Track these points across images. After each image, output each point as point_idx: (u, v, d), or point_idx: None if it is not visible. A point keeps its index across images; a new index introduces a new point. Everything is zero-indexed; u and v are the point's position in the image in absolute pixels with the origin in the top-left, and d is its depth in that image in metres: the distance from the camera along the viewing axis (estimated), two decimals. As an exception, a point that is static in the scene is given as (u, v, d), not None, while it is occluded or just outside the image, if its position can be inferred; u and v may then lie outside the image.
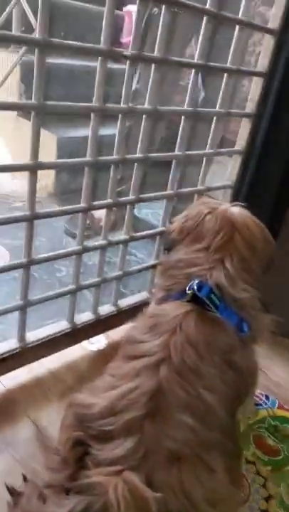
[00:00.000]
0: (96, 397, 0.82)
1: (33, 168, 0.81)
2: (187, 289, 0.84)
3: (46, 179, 2.30)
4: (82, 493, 0.68)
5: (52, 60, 2.46)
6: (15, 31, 2.24)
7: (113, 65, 0.96)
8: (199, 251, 0.89)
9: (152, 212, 2.30)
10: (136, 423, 0.74)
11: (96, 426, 0.77)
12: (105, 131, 0.97)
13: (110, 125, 0.97)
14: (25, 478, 0.80)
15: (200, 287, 0.83)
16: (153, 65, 0.92)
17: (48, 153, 2.24)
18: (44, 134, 2.40)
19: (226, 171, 1.36)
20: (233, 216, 0.90)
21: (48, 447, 0.91)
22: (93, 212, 1.97)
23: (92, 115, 0.87)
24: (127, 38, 2.58)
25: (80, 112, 0.85)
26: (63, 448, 0.81)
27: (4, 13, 2.23)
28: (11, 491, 0.78)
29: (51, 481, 0.83)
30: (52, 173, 2.29)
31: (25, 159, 0.80)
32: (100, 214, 1.86)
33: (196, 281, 0.83)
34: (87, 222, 2.03)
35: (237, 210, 0.91)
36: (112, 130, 0.94)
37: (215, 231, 0.89)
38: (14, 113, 2.44)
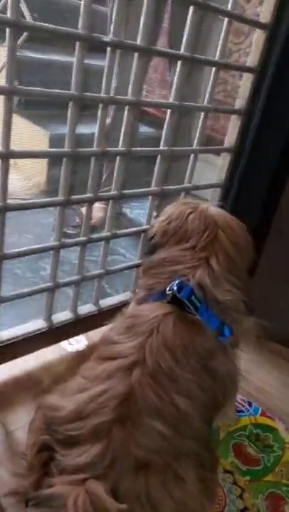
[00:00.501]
0: (65, 400, 0.78)
1: (5, 156, 0.77)
2: (167, 289, 0.80)
3: (38, 177, 2.27)
4: (41, 505, 0.64)
5: (47, 56, 2.44)
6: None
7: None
8: (185, 250, 0.86)
9: (144, 213, 2.26)
10: (104, 428, 0.70)
11: (63, 430, 0.73)
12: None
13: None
14: None
15: (180, 288, 0.79)
16: (136, 54, 0.89)
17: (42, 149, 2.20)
18: (36, 130, 2.38)
19: (214, 170, 1.33)
20: (215, 215, 0.88)
21: (15, 452, 0.86)
22: (82, 209, 1.94)
23: (70, 104, 0.83)
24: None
25: (56, 99, 0.81)
26: (29, 452, 0.78)
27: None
28: None
29: (16, 488, 0.79)
30: (44, 170, 2.25)
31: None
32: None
33: (177, 282, 0.80)
34: (77, 220, 2.01)
35: (216, 210, 0.90)
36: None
37: (201, 230, 0.86)
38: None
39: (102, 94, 0.87)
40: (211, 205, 0.90)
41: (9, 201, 0.82)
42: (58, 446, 0.73)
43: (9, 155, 0.77)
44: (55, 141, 2.18)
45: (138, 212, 2.29)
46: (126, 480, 0.68)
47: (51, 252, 1.03)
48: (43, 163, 2.25)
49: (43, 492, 0.66)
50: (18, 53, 2.10)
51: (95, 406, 0.73)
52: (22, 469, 0.79)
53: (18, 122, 2.28)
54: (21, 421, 0.94)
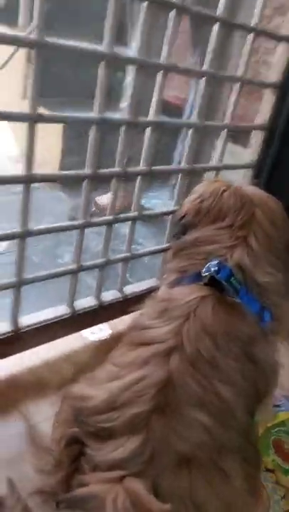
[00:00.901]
0: (95, 389, 0.71)
1: (34, 119, 0.70)
2: (204, 270, 0.73)
3: (51, 166, 2.20)
4: (75, 507, 0.57)
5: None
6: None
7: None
8: (220, 229, 0.79)
9: (162, 203, 2.19)
10: (141, 419, 0.63)
11: (94, 422, 0.66)
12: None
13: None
14: (10, 483, 0.68)
15: (219, 269, 0.72)
16: (173, 12, 0.81)
17: (55, 136, 2.14)
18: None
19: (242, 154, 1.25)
20: (250, 193, 0.82)
21: (40, 446, 0.79)
22: (97, 199, 1.87)
23: (101, 65, 0.76)
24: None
25: (86, 54, 0.74)
26: (56, 447, 0.70)
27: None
28: None
29: (43, 486, 0.72)
30: (57, 160, 2.19)
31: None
32: (105, 200, 1.78)
33: (215, 262, 0.72)
34: (93, 209, 1.94)
35: (251, 188, 0.84)
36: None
37: (237, 208, 0.80)
38: (20, 96, 2.35)
39: (136, 56, 0.80)
40: (246, 184, 0.84)
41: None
42: (88, 440, 0.66)
43: (37, 118, 0.70)
44: (70, 127, 2.12)
45: (155, 202, 2.22)
46: (167, 477, 0.61)
47: (72, 234, 0.96)
48: (56, 152, 2.18)
49: (76, 493, 0.59)
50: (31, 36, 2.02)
51: (131, 395, 0.66)
52: (48, 466, 0.72)
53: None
54: (45, 413, 0.87)
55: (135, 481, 0.59)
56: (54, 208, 1.94)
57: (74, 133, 2.04)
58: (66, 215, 1.88)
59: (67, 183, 2.03)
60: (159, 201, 2.20)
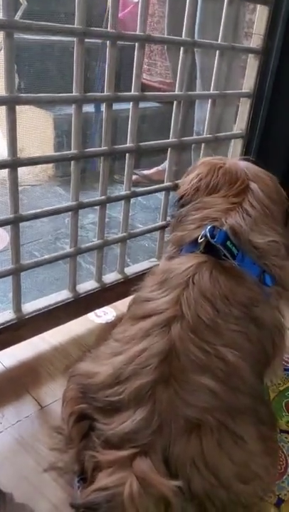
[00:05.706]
0: (100, 365, 0.71)
1: (10, 103, 0.69)
2: (199, 237, 0.73)
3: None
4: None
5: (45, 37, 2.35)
6: None
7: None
8: (215, 198, 0.79)
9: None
10: (146, 390, 0.63)
11: (101, 396, 0.67)
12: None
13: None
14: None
15: (213, 233, 0.71)
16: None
17: (46, 132, 2.14)
18: (40, 113, 2.31)
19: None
20: (245, 168, 0.82)
21: (51, 426, 0.80)
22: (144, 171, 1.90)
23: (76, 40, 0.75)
24: (124, 11, 2.42)
25: (60, 31, 0.73)
26: (66, 424, 0.71)
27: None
28: None
29: (56, 462, 0.73)
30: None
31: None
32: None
33: (209, 227, 0.72)
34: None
35: (246, 163, 0.83)
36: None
37: (232, 181, 0.80)
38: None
39: (109, 30, 0.79)
40: (240, 160, 0.84)
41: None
42: (98, 415, 0.66)
43: (15, 99, 0.69)
44: (60, 122, 2.13)
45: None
46: (177, 444, 0.62)
47: (68, 225, 0.96)
48: (49, 148, 2.19)
49: (91, 498, 0.59)
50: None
51: (134, 367, 0.66)
52: (61, 443, 0.73)
53: (21, 106, 2.23)
54: (54, 395, 0.88)
55: (144, 461, 0.59)
56: (52, 203, 1.95)
57: (64, 131, 2.07)
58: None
59: (62, 180, 2.05)
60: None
